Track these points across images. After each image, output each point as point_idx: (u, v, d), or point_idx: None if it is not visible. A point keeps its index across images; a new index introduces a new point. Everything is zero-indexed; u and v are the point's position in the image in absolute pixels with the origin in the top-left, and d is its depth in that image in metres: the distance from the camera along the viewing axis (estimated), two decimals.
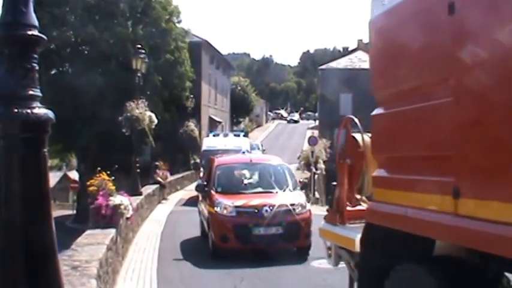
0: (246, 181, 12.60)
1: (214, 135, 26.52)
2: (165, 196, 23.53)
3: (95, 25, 27.34)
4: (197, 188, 13.57)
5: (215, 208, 11.26)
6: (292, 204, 11.13)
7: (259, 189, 12.01)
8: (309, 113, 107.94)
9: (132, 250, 11.93)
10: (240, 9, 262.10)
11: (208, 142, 24.64)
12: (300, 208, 11.21)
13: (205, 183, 12.86)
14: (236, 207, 11.13)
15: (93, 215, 9.65)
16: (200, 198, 13.62)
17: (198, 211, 13.83)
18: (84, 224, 12.61)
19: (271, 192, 11.76)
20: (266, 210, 10.88)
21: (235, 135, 26.58)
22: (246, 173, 12.97)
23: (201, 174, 21.21)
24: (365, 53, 52.26)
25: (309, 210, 11.54)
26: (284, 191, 11.86)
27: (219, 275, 9.87)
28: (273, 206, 10.96)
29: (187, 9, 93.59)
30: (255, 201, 11.24)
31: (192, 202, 22.20)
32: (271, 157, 15.39)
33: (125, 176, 17.58)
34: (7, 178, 2.86)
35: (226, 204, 11.20)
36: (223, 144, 23.03)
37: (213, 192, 11.81)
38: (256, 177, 12.84)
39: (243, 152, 14.34)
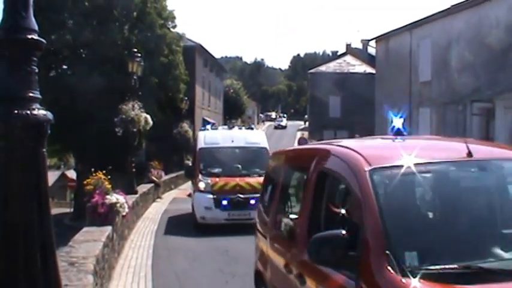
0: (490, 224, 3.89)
1: (213, 129, 18.02)
2: (160, 195, 23.63)
3: (92, 29, 27.53)
4: (318, 254, 3.54)
5: None
6: None
7: None
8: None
9: (127, 247, 12.08)
10: (233, 13, 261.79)
11: (208, 137, 16.43)
12: None
13: (342, 233, 3.46)
14: None
15: (89, 213, 9.82)
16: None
17: None
18: (81, 221, 12.73)
19: None
20: None
21: (239, 128, 18.46)
22: (474, 196, 4.08)
23: (201, 186, 14.90)
24: (353, 57, 53.26)
25: None
26: None
27: (212, 271, 10.04)
28: None
29: (181, 14, 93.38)
30: None
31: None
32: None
33: (120, 175, 17.75)
34: (7, 177, 2.96)
35: None
36: (229, 139, 16.19)
37: (391, 270, 3.14)
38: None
39: (403, 133, 4.74)
